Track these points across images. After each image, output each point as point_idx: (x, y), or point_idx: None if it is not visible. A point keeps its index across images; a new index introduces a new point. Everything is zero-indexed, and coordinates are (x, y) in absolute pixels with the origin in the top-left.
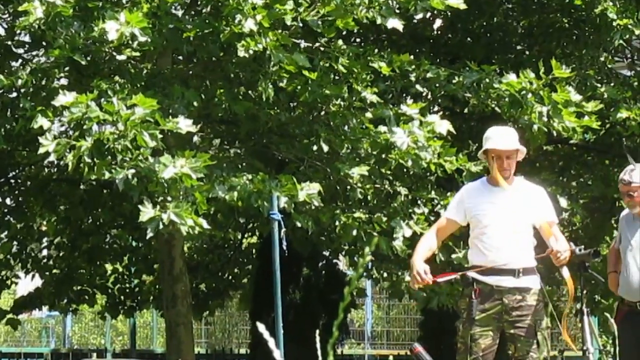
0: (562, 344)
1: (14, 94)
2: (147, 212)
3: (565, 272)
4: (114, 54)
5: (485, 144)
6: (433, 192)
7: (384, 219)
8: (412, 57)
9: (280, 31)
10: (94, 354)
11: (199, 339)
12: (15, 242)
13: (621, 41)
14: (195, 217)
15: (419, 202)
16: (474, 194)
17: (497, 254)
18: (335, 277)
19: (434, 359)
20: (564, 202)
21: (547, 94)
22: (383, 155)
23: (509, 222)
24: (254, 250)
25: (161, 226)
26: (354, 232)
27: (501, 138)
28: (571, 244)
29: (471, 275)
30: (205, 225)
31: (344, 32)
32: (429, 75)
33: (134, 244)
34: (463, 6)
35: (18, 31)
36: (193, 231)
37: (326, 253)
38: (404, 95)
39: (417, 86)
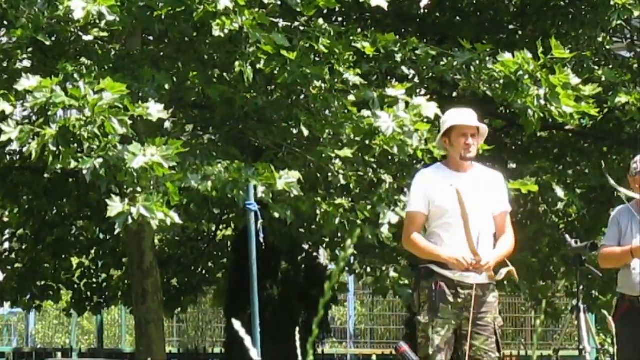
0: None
1: None
2: (115, 206)
3: (501, 275)
4: (80, 34)
5: (446, 124)
6: None
7: (368, 207)
8: (397, 36)
9: (257, 9)
10: (59, 354)
11: (171, 338)
12: None
13: (620, 21)
14: (167, 210)
15: (405, 190)
16: (434, 180)
17: (462, 249)
18: (315, 271)
19: None
20: (560, 192)
21: (545, 75)
22: (367, 141)
23: (475, 212)
24: (229, 243)
25: (130, 221)
26: (336, 221)
27: (463, 115)
28: (567, 236)
29: (432, 267)
30: (177, 219)
31: (325, 11)
32: (416, 54)
33: (101, 236)
34: None
35: None
36: (164, 224)
37: (306, 246)
38: (389, 77)
39: (403, 68)
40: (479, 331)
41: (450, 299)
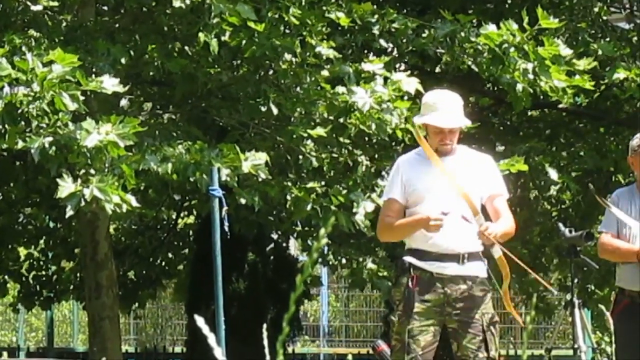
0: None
1: None
2: (66, 186)
3: (497, 252)
4: (29, 3)
5: (426, 114)
6: None
7: (343, 191)
8: (374, 6)
9: None
10: (5, 353)
11: (127, 335)
12: None
13: None
14: (123, 193)
15: (382, 173)
16: (412, 167)
17: (441, 236)
18: (285, 263)
19: None
20: (554, 174)
21: (533, 48)
22: (341, 120)
23: (454, 199)
24: (190, 232)
25: (83, 203)
26: (308, 207)
27: (445, 111)
28: (560, 225)
29: (408, 260)
30: (134, 203)
31: None
32: (394, 26)
33: (51, 225)
34: None
35: None
36: (120, 210)
37: (275, 236)
38: (365, 51)
39: (381, 40)
40: (465, 328)
41: (429, 296)
